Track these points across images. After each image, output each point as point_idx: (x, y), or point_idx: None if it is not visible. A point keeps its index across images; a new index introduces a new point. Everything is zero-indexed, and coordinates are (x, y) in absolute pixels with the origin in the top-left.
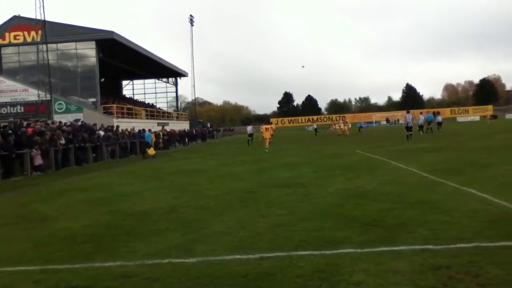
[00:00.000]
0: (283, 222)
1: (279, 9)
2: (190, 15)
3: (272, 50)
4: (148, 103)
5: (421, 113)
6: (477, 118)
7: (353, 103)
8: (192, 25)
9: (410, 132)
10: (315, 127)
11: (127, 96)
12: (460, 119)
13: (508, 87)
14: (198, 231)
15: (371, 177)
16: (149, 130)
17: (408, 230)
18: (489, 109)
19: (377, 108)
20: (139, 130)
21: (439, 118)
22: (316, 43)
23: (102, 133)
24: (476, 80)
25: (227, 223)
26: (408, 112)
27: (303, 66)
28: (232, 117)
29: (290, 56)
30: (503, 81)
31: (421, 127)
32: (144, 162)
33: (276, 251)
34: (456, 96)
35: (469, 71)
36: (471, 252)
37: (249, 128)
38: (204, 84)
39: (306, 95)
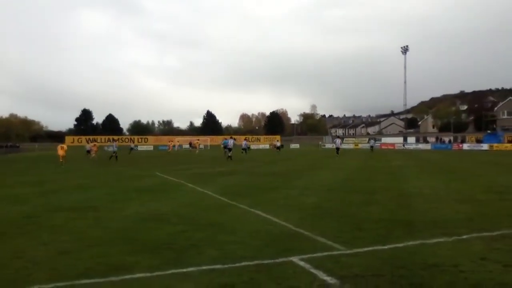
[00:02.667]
0: (68, 249)
1: (83, 24)
2: None
3: (73, 66)
4: None
5: (245, 139)
6: (267, 146)
7: (156, 125)
8: None
9: (230, 154)
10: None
11: None
12: (253, 146)
13: (292, 120)
14: None
15: (168, 199)
16: None
17: (198, 251)
18: (277, 139)
19: (179, 132)
20: None
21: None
22: (120, 63)
23: None
24: (268, 112)
25: None
26: (231, 138)
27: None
28: (20, 133)
29: (93, 73)
30: (289, 115)
31: (244, 149)
32: None
33: (56, 282)
34: (250, 125)
35: (262, 103)
36: (253, 270)
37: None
38: None
39: (108, 113)
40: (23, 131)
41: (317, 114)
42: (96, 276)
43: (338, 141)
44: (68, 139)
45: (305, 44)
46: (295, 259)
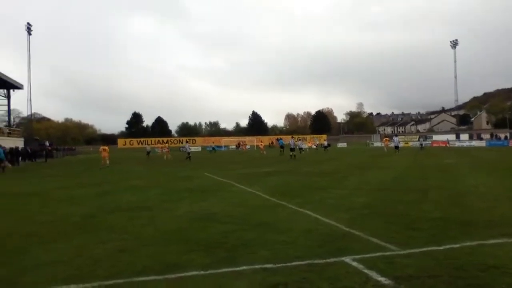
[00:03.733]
0: (125, 247)
1: (132, 29)
2: (28, 23)
3: (122, 70)
4: None
5: (292, 137)
6: (314, 146)
7: (203, 126)
8: (29, 34)
9: (294, 153)
10: (148, 149)
11: None
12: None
13: (339, 119)
14: (26, 261)
15: (217, 200)
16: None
17: (249, 251)
18: (324, 138)
19: (226, 133)
20: None
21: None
22: (167, 66)
23: None
24: (313, 112)
25: (62, 251)
26: (292, 137)
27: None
28: (75, 136)
29: (141, 77)
30: (335, 113)
31: (292, 149)
32: None
33: (116, 278)
34: (296, 125)
35: (307, 103)
36: (305, 269)
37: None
38: (44, 99)
39: (157, 116)
40: (78, 134)
41: (364, 112)
42: (153, 274)
43: (396, 139)
44: (120, 141)
45: (350, 41)
46: (347, 259)
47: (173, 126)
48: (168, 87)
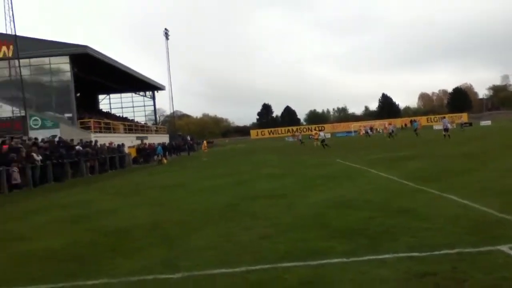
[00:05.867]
0: (267, 234)
1: (258, 22)
2: (165, 29)
3: (250, 62)
4: (126, 117)
5: (444, 117)
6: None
7: (331, 113)
8: (167, 38)
9: (448, 133)
10: (300, 137)
11: (104, 110)
12: (437, 127)
13: (480, 95)
14: (181, 246)
15: (352, 186)
16: (159, 144)
17: (392, 238)
18: (463, 117)
19: (355, 118)
20: (118, 145)
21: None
22: (294, 55)
23: (80, 148)
24: (450, 89)
25: (211, 237)
26: (444, 118)
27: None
28: (212, 130)
29: (269, 67)
30: (475, 89)
31: (446, 130)
32: (124, 177)
33: (261, 264)
34: (431, 105)
35: (442, 80)
36: (455, 258)
37: None
38: (183, 97)
39: (285, 106)
40: (215, 128)
41: (510, 85)
42: (295, 260)
43: None
44: (253, 132)
45: (492, 6)
46: (504, 248)
47: (301, 115)
48: (295, 76)
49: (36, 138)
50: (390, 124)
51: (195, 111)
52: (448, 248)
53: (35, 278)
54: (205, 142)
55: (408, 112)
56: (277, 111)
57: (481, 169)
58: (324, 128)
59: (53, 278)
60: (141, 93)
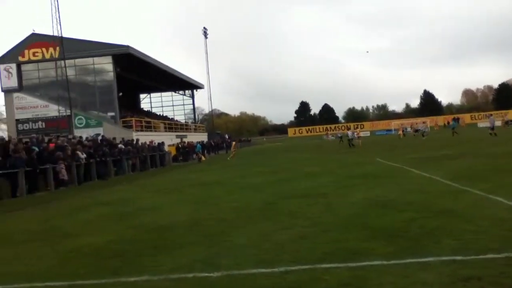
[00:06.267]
0: (306, 233)
1: (295, 20)
2: (204, 28)
3: (288, 59)
4: (166, 116)
5: (491, 115)
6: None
7: (370, 110)
8: (206, 37)
9: (494, 131)
10: (340, 135)
11: (145, 109)
12: (481, 124)
13: None
14: (221, 244)
15: (393, 186)
16: (198, 142)
17: (434, 240)
18: (509, 114)
19: (395, 116)
20: (159, 143)
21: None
22: (331, 51)
23: (122, 146)
24: (495, 85)
25: (250, 236)
26: (491, 115)
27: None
28: (250, 128)
29: (306, 65)
30: None
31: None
32: (164, 175)
33: (300, 264)
34: (475, 102)
35: (487, 76)
36: (503, 263)
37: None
38: (221, 96)
39: (323, 104)
40: (252, 126)
41: None
42: (335, 261)
43: None
44: (290, 130)
45: None
46: None
47: (339, 113)
48: (333, 73)
49: (80, 137)
50: (423, 122)
51: (233, 109)
52: (494, 252)
53: (79, 274)
54: (233, 143)
55: (451, 109)
56: (315, 109)
57: None
58: (355, 127)
59: (96, 274)
60: (181, 92)
